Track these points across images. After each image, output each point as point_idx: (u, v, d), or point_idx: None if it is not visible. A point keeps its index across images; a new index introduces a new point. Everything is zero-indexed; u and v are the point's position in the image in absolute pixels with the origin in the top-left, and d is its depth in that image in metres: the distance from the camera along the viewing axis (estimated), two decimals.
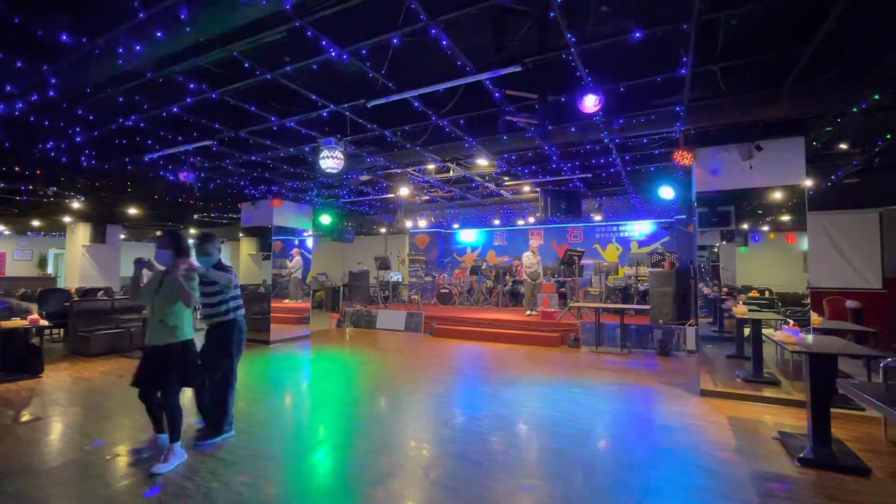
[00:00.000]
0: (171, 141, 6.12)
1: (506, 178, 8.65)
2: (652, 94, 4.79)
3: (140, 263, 3.37)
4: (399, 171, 7.76)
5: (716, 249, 5.70)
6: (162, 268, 3.46)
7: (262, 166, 7.65)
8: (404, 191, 9.13)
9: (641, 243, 13.69)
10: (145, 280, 3.55)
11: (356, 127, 5.61)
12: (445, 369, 6.66)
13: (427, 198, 10.61)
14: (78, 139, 5.73)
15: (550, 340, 8.54)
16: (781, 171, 5.20)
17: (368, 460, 3.48)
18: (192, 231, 14.67)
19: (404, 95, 4.52)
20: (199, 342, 3.66)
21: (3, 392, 5.26)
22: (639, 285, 10.65)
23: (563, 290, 11.15)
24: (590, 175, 7.98)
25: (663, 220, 12.73)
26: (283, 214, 9.62)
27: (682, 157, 5.62)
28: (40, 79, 4.05)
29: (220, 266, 3.86)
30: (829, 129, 5.19)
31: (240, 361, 3.95)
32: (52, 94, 4.33)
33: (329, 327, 11.40)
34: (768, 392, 5.09)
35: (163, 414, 3.39)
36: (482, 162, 7.26)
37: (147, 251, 22.08)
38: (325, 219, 11.04)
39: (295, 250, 10.13)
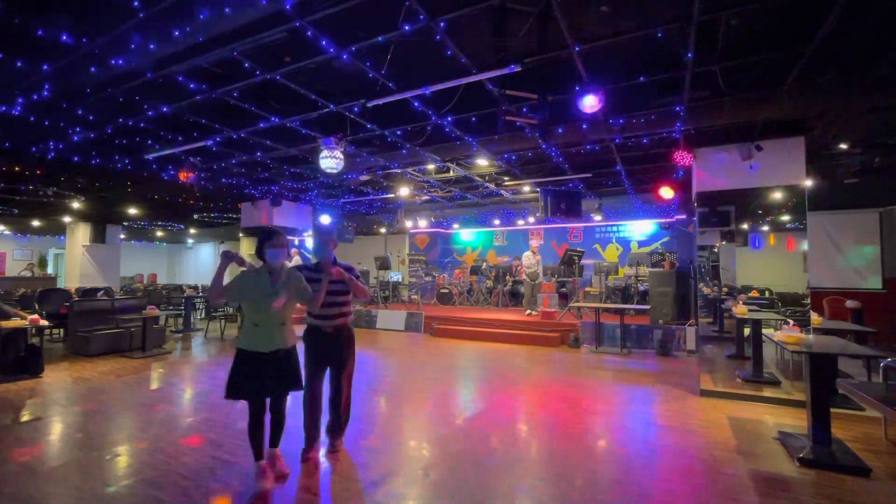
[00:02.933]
0: (171, 141, 6.12)
1: (506, 178, 8.65)
2: (652, 94, 4.79)
3: (228, 257, 2.91)
4: (399, 171, 7.76)
5: (716, 249, 5.70)
6: (259, 265, 3.13)
7: (262, 166, 7.66)
8: (404, 191, 9.14)
9: (641, 243, 13.69)
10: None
11: (356, 127, 5.61)
12: (445, 369, 6.66)
13: (427, 198, 10.62)
14: (78, 139, 5.73)
15: (550, 340, 8.54)
16: (781, 171, 5.20)
17: (368, 460, 3.48)
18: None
19: (404, 95, 4.52)
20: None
21: (3, 392, 5.26)
22: (639, 285, 10.65)
23: (563, 290, 11.15)
24: (590, 175, 7.99)
25: (663, 220, 12.73)
26: (283, 214, 9.62)
27: (683, 158, 5.62)
28: (40, 79, 4.05)
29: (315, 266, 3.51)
30: (829, 128, 5.20)
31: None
32: (52, 94, 4.33)
33: None
34: (768, 392, 5.08)
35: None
36: (482, 162, 7.27)
37: (147, 251, 22.08)
38: (325, 219, 11.05)
39: (293, 250, 10.13)
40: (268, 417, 3.17)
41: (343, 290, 3.46)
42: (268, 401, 3.14)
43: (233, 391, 3.01)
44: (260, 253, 3.06)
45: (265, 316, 3.01)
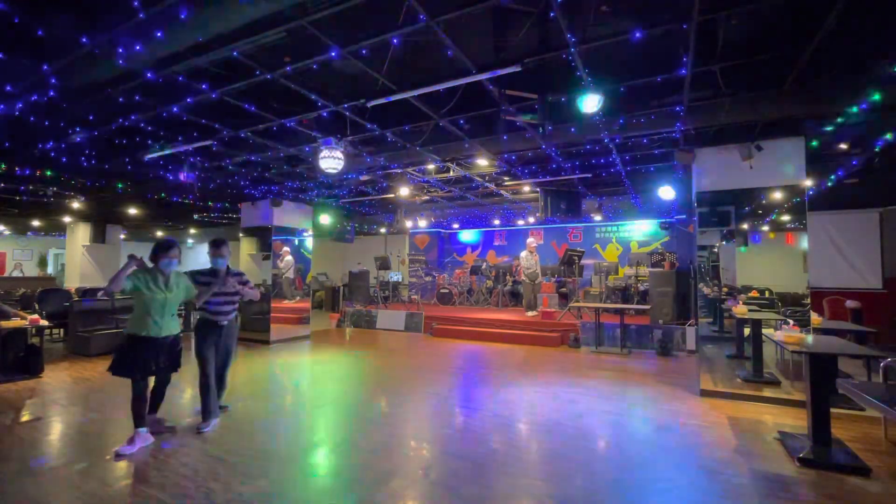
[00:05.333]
0: (171, 141, 6.12)
1: (506, 178, 8.65)
2: (652, 94, 4.79)
3: (133, 259, 3.67)
4: (399, 171, 7.76)
5: (716, 249, 5.70)
6: (150, 265, 3.83)
7: (262, 166, 7.65)
8: (404, 191, 9.13)
9: (641, 243, 13.69)
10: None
11: (356, 127, 5.61)
12: (445, 369, 6.66)
13: (427, 198, 10.61)
14: (78, 139, 5.73)
15: (550, 340, 8.54)
16: (781, 171, 5.20)
17: (368, 460, 3.48)
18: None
19: (404, 95, 4.52)
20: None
21: (3, 392, 5.26)
22: (639, 285, 10.65)
23: (563, 290, 11.15)
24: (590, 175, 7.99)
25: (663, 220, 12.72)
26: (283, 214, 9.60)
27: (683, 158, 5.62)
28: (40, 79, 4.05)
29: (210, 271, 4.27)
30: (829, 129, 5.19)
31: (238, 360, 4.25)
32: (52, 94, 4.33)
33: (329, 327, 11.40)
34: (768, 392, 5.08)
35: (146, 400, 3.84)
36: (482, 162, 7.26)
37: (147, 251, 22.06)
38: (325, 219, 11.04)
39: (285, 250, 10.01)
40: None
41: (234, 292, 4.31)
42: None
43: (122, 370, 3.67)
44: (155, 259, 3.79)
45: (156, 306, 3.68)
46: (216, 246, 4.23)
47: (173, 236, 19.07)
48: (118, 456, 3.48)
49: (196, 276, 4.13)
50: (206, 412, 4.13)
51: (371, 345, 8.89)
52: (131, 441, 3.61)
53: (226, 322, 4.25)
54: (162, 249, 3.78)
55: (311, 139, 5.99)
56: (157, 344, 3.72)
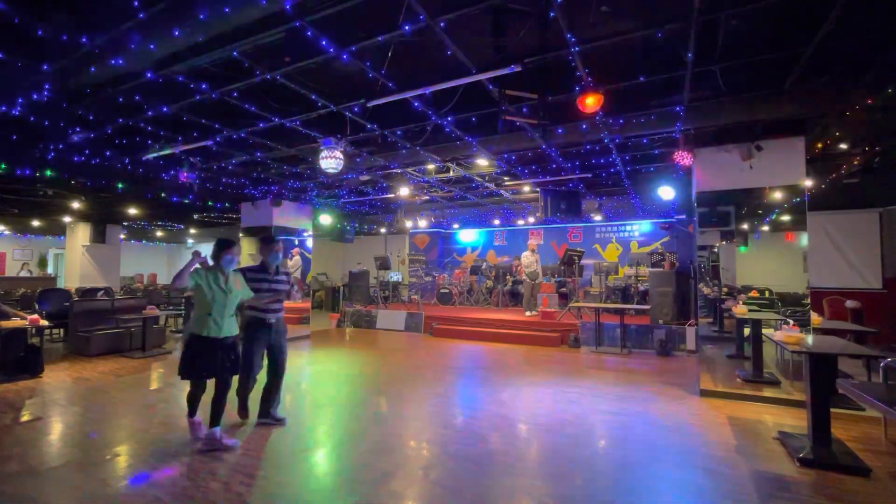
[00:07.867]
0: (170, 141, 6.12)
1: (506, 178, 8.65)
2: (652, 94, 4.79)
3: (197, 256, 3.61)
4: (399, 171, 7.75)
5: (716, 249, 5.70)
6: (211, 263, 3.78)
7: (262, 166, 7.65)
8: (404, 191, 9.13)
9: (641, 243, 13.69)
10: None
11: (356, 127, 5.60)
12: (445, 369, 6.66)
13: (427, 198, 10.61)
14: (78, 139, 5.73)
15: (550, 340, 8.54)
16: (781, 171, 5.20)
17: (368, 460, 3.48)
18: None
19: (404, 95, 4.52)
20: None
21: (3, 392, 5.26)
22: (639, 285, 10.65)
23: (563, 290, 11.14)
24: (590, 175, 7.98)
25: (663, 220, 12.72)
26: (283, 214, 9.61)
27: (682, 158, 5.62)
28: (40, 79, 4.04)
29: (260, 268, 4.26)
30: (829, 128, 5.19)
31: None
32: (52, 94, 4.33)
33: (329, 327, 11.40)
34: (768, 392, 5.08)
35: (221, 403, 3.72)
36: (482, 162, 7.26)
37: (147, 251, 22.09)
38: (325, 219, 11.04)
39: (295, 250, 10.11)
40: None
41: (284, 290, 4.26)
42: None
43: (189, 373, 3.65)
44: (217, 257, 3.77)
45: (215, 307, 3.62)
46: (269, 243, 4.23)
47: (173, 237, 19.08)
48: (208, 439, 3.67)
49: (246, 273, 4.04)
50: (243, 410, 4.29)
51: (371, 345, 8.89)
52: (195, 428, 3.83)
53: (274, 320, 4.22)
54: (225, 247, 3.78)
55: (312, 139, 5.99)
56: (218, 344, 3.63)
